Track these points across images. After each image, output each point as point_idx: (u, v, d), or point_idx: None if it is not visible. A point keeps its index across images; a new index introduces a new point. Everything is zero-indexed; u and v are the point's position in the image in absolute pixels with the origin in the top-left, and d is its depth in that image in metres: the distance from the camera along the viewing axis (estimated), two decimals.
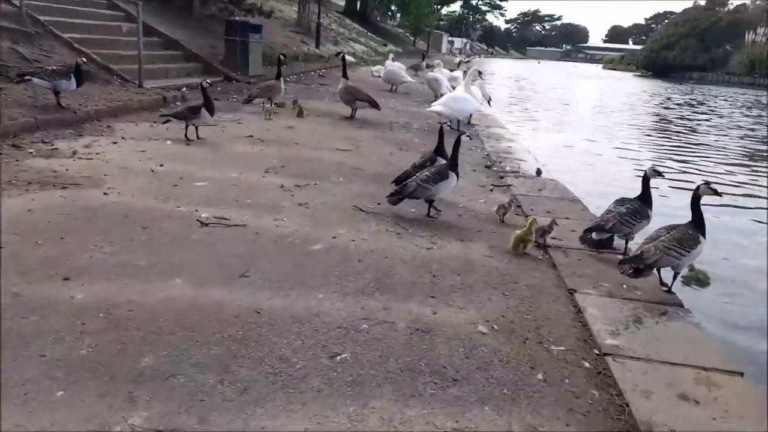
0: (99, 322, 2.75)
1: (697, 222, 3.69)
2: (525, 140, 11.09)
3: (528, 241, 4.20)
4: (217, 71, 13.85)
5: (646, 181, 4.20)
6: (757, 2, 63.27)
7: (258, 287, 3.21)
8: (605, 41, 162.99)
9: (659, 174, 4.20)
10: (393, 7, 57.17)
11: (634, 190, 4.15)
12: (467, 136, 5.70)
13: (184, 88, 11.51)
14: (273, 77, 10.03)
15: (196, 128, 7.05)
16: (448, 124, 10.35)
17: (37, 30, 9.70)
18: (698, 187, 3.77)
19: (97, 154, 5.83)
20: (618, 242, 4.44)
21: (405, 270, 3.67)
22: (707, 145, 14.14)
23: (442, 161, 5.15)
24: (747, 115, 23.32)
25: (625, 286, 3.68)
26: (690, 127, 17.88)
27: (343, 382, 2.43)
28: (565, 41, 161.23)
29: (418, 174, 4.73)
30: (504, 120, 13.86)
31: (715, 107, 26.27)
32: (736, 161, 12.23)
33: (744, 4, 64.76)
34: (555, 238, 4.54)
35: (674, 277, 3.69)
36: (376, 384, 2.43)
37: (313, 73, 18.89)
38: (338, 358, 2.59)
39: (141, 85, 10.02)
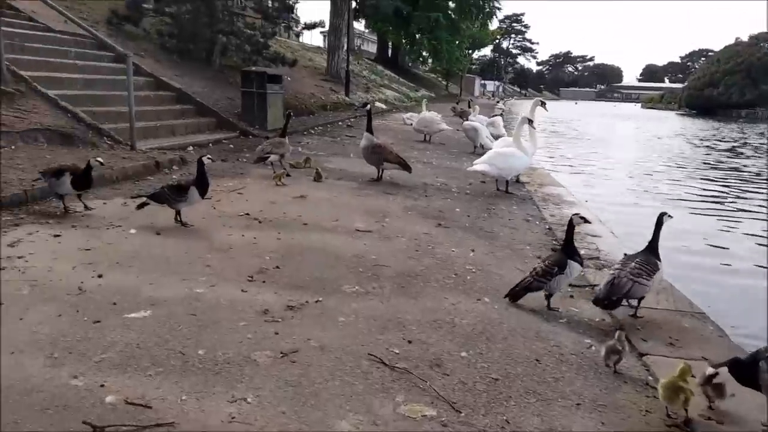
0: None
1: None
2: (587, 201, 9.20)
3: (686, 392, 2.64)
4: (233, 126, 12.54)
5: None
6: None
7: None
8: (640, 80, 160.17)
9: None
10: (425, 53, 56.70)
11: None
12: (582, 218, 4.15)
13: (190, 148, 10.13)
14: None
15: (178, 213, 5.44)
16: (497, 186, 8.58)
17: (19, 88, 8.49)
18: None
19: (19, 258, 4.12)
20: None
21: None
22: None
23: (575, 265, 4.04)
24: None
25: None
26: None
27: None
28: (599, 81, 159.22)
29: (620, 269, 3.87)
30: (558, 176, 11.98)
31: None
32: None
33: None
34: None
35: None
36: None
37: (341, 123, 17.58)
38: None
39: (133, 147, 8.58)
